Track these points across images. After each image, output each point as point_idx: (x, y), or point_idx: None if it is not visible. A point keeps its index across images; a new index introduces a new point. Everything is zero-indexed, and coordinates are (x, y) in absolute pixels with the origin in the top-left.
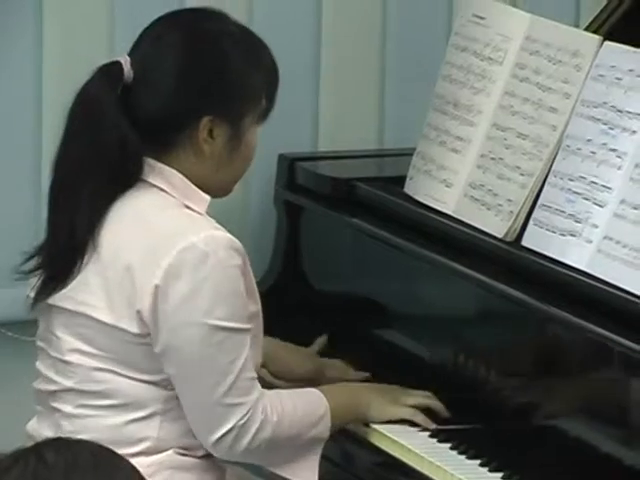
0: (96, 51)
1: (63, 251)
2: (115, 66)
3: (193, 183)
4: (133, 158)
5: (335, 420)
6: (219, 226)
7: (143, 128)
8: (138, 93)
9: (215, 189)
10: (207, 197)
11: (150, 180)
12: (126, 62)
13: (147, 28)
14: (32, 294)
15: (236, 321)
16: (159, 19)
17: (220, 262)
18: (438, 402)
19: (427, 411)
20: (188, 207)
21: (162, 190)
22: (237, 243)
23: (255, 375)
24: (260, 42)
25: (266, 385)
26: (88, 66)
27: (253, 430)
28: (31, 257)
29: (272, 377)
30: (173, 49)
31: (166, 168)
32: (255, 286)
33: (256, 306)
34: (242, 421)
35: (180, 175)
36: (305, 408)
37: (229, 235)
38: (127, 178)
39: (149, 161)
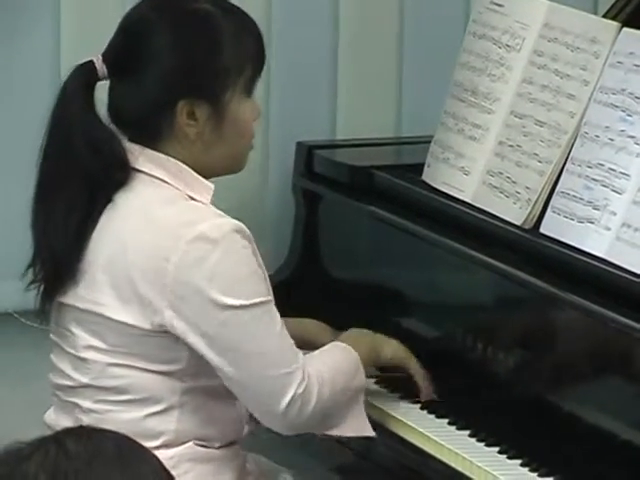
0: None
1: (47, 263)
2: (88, 65)
3: (193, 168)
4: (112, 158)
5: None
6: (222, 213)
7: (126, 122)
8: (116, 88)
9: (217, 168)
10: (211, 185)
11: (147, 170)
12: (98, 60)
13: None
14: (38, 299)
15: (258, 296)
16: (132, 8)
17: (229, 247)
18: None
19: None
20: (192, 198)
21: (163, 182)
22: (242, 226)
23: (292, 341)
24: (236, 11)
25: None
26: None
27: (315, 393)
28: (29, 267)
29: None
30: (139, 40)
31: (161, 155)
32: (264, 270)
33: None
34: (301, 388)
35: (178, 163)
36: (342, 362)
37: (233, 220)
38: (113, 178)
39: (140, 149)
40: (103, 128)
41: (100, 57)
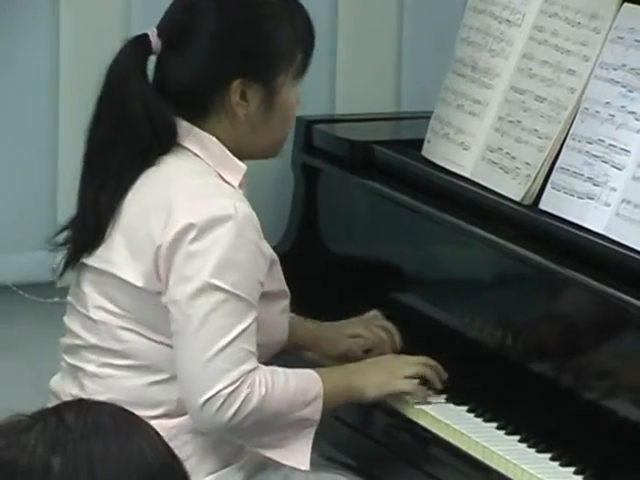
0: (112, 29)
1: (89, 226)
2: (142, 38)
3: (233, 148)
4: (162, 126)
5: (328, 404)
6: (246, 200)
7: (176, 97)
8: (169, 62)
9: (257, 151)
10: (243, 166)
11: (186, 145)
12: (153, 34)
13: None
14: (62, 261)
15: (238, 289)
16: None
17: (238, 230)
18: (434, 371)
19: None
20: (221, 177)
21: (197, 156)
22: (253, 215)
23: (254, 350)
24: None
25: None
26: (104, 44)
27: (239, 401)
28: (63, 229)
29: (320, 358)
30: (200, 15)
31: (203, 133)
32: (280, 271)
33: (279, 286)
34: (228, 389)
35: (217, 142)
36: (297, 387)
37: (247, 207)
38: (160, 146)
39: (186, 125)
40: (158, 100)
41: (155, 30)
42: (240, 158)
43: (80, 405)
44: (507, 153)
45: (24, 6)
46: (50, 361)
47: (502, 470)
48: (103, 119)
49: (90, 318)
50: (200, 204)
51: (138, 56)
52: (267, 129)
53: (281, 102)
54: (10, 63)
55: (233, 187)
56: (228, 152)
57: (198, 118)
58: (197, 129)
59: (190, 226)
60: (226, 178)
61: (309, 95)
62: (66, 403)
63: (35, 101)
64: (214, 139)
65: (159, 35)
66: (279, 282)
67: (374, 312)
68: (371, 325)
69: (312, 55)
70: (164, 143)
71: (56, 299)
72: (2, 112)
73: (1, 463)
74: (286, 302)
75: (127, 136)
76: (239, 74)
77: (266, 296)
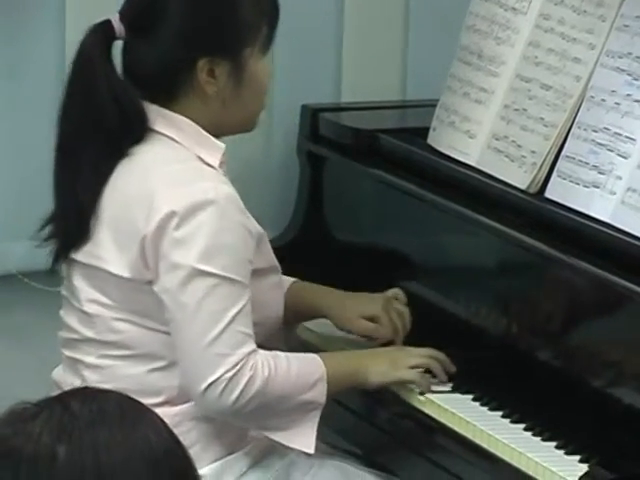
0: None
1: (72, 223)
2: (105, 25)
3: (208, 127)
4: (131, 111)
5: (331, 387)
6: (227, 181)
7: (144, 81)
8: (134, 47)
9: (232, 126)
10: (221, 145)
11: (160, 129)
12: (116, 20)
13: None
14: (51, 256)
15: (229, 272)
16: None
17: (221, 212)
18: (439, 364)
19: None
20: (201, 159)
21: (173, 140)
22: (235, 196)
23: (251, 332)
24: None
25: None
26: None
27: (242, 384)
28: (46, 224)
29: (339, 329)
30: None
31: (175, 115)
32: (250, 251)
33: (268, 262)
34: (230, 373)
35: (190, 122)
36: (300, 370)
37: (228, 188)
38: (131, 132)
39: (155, 108)
40: (124, 85)
41: (117, 16)
42: (217, 135)
43: (85, 393)
44: (513, 141)
45: (30, 11)
46: (54, 349)
47: (507, 458)
48: (72, 109)
49: (85, 312)
50: (180, 191)
51: (102, 43)
52: (239, 104)
53: (249, 75)
54: (17, 64)
55: (213, 168)
56: (203, 131)
57: (168, 101)
58: (167, 111)
59: (172, 213)
60: (205, 159)
61: (315, 83)
62: (71, 391)
63: (41, 100)
64: (186, 119)
65: (122, 20)
66: (268, 258)
67: (396, 290)
68: (390, 306)
69: (277, 27)
70: (135, 129)
71: (60, 287)
72: (8, 111)
73: (7, 451)
74: (277, 277)
75: (96, 124)
76: (205, 52)
77: (256, 272)
